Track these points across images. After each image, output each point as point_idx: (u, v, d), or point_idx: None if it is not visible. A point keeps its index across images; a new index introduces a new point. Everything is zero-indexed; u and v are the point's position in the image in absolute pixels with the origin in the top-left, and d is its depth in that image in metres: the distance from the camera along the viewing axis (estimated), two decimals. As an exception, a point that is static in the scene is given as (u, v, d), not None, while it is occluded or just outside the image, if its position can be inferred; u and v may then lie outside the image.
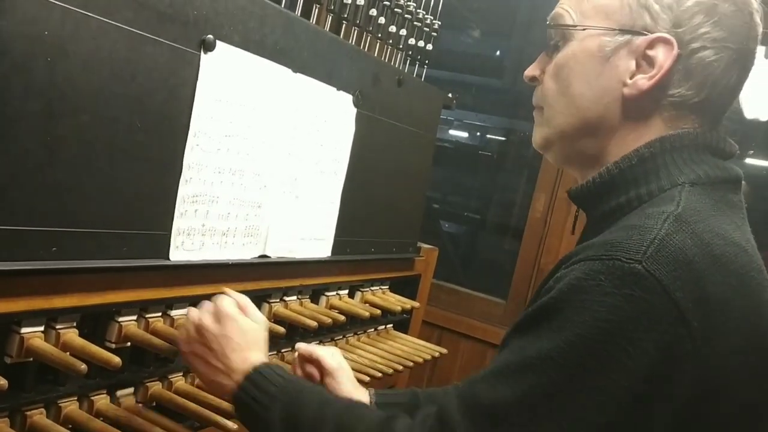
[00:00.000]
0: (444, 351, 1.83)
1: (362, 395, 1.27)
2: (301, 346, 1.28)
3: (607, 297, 0.77)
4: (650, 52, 0.91)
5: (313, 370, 1.25)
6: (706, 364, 0.78)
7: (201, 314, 1.07)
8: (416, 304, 1.89)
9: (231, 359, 1.03)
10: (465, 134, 3.87)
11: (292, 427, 0.96)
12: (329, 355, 1.27)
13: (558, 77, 0.99)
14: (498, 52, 3.76)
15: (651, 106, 0.93)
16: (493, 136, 3.77)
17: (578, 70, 0.96)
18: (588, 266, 0.80)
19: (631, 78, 0.92)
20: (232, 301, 1.09)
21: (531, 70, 1.05)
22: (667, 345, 0.76)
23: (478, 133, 3.83)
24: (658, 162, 0.92)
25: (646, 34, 0.91)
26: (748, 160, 3.02)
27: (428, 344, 1.85)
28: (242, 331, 1.05)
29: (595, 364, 0.77)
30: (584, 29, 0.95)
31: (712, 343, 0.78)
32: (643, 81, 0.91)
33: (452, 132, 3.79)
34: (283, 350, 1.47)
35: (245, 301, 1.12)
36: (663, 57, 0.90)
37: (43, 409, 1.01)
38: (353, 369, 1.46)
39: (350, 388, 1.26)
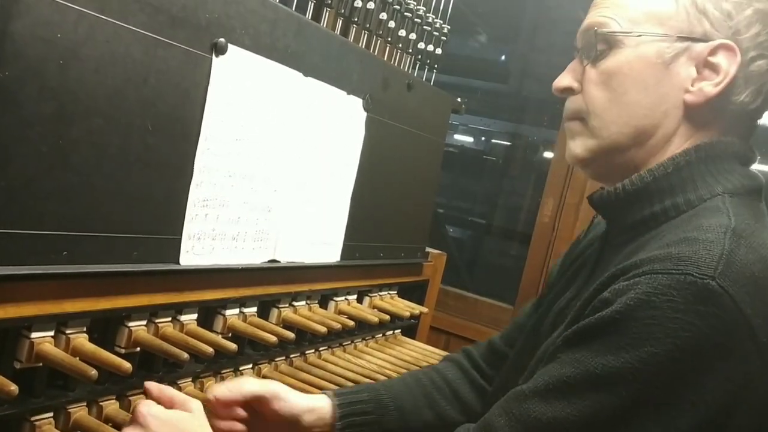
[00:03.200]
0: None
1: (318, 400, 1.18)
2: (218, 391, 1.09)
3: (680, 314, 0.74)
4: (713, 59, 0.89)
5: (238, 412, 1.11)
6: None
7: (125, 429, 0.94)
8: (425, 309, 1.88)
9: None
10: (470, 139, 3.86)
11: None
12: (259, 383, 1.14)
13: (609, 85, 0.94)
14: (504, 57, 3.76)
15: (713, 113, 0.92)
16: (499, 141, 3.76)
17: (634, 77, 0.93)
18: (656, 280, 0.77)
19: (693, 85, 0.91)
20: (150, 404, 0.95)
21: (565, 81, 1.00)
22: (738, 361, 0.75)
23: (484, 138, 3.83)
24: (693, 171, 0.91)
25: (706, 41, 0.89)
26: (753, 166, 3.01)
27: (436, 350, 1.84)
28: (173, 426, 0.92)
29: (666, 380, 0.75)
30: (639, 35, 0.92)
31: None
32: (709, 88, 0.90)
33: (457, 137, 3.78)
34: (291, 356, 1.46)
35: (170, 393, 1.00)
36: (727, 64, 0.89)
37: (52, 416, 1.00)
38: (362, 375, 1.46)
39: (304, 399, 1.16)
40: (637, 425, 0.76)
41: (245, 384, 1.11)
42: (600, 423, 0.77)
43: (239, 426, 1.10)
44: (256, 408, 1.12)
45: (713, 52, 0.90)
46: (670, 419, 0.75)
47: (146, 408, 0.93)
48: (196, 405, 0.98)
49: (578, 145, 0.99)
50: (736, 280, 0.76)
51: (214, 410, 1.09)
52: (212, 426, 0.99)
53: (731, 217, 0.84)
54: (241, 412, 1.11)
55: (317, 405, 1.16)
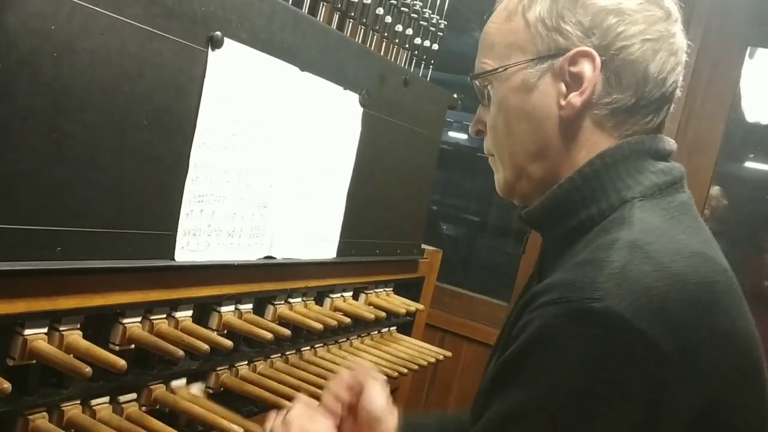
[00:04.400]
0: (448, 354, 1.81)
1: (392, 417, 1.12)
2: (345, 373, 1.09)
3: (574, 340, 0.75)
4: (574, 69, 0.91)
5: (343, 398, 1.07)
6: (694, 384, 0.77)
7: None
8: (420, 306, 1.87)
9: None
10: (464, 136, 3.85)
11: None
12: (380, 379, 1.09)
13: (498, 122, 0.99)
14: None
15: (589, 120, 0.93)
16: (493, 138, 3.76)
17: (513, 108, 0.96)
18: (549, 312, 0.78)
19: (564, 99, 0.92)
20: (300, 416, 0.98)
21: (474, 126, 1.06)
22: (649, 377, 0.75)
23: (478, 135, 3.82)
24: (602, 179, 0.91)
25: (563, 55, 0.91)
26: (749, 164, 3.02)
27: (432, 347, 1.83)
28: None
29: (581, 412, 0.75)
30: (505, 69, 0.95)
31: (692, 362, 0.76)
32: (576, 98, 0.91)
33: (452, 134, 3.77)
34: (287, 353, 1.45)
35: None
36: (588, 69, 0.90)
37: (45, 413, 0.99)
38: (358, 372, 1.44)
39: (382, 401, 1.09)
40: None
41: (361, 370, 1.09)
42: None
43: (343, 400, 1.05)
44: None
45: (573, 62, 0.90)
46: None
47: (299, 420, 0.95)
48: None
49: (497, 180, 1.04)
50: (625, 296, 0.75)
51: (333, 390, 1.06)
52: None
53: (633, 226, 0.84)
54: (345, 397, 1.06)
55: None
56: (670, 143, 0.96)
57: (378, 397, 1.04)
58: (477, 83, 1.01)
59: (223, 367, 1.29)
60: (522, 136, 0.96)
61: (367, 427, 1.06)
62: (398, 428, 1.10)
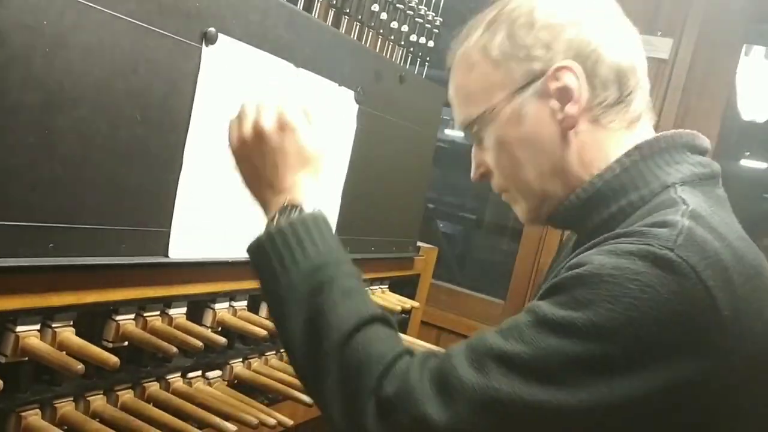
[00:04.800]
0: (443, 351, 1.80)
1: None
2: None
3: (640, 276, 0.76)
4: (559, 84, 0.93)
5: None
6: (738, 355, 0.77)
7: (262, 116, 0.96)
8: (416, 304, 1.87)
9: (283, 178, 0.95)
10: (461, 134, 3.85)
11: (315, 312, 0.86)
12: None
13: (503, 159, 1.00)
14: (495, 52, 3.74)
15: (589, 123, 0.95)
16: (490, 136, 3.75)
17: (512, 141, 0.97)
18: (620, 247, 0.79)
19: (561, 113, 0.94)
20: (298, 109, 0.99)
21: (476, 171, 1.05)
22: (696, 333, 0.75)
23: (474, 133, 3.82)
24: (641, 168, 0.93)
25: (542, 76, 0.94)
26: (744, 162, 3.02)
27: (427, 344, 1.83)
28: (301, 148, 0.96)
29: (619, 340, 0.75)
30: (492, 110, 0.97)
31: (741, 334, 0.77)
32: (572, 108, 0.93)
33: (448, 131, 3.77)
34: (282, 350, 1.45)
35: (312, 110, 1.02)
36: (571, 80, 0.93)
37: (38, 410, 0.98)
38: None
39: None
40: (585, 379, 0.75)
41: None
42: (549, 368, 0.76)
43: None
44: None
45: (555, 78, 0.93)
46: (622, 382, 0.75)
47: (298, 122, 0.97)
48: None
49: (520, 212, 1.05)
50: (697, 252, 0.77)
51: None
52: None
53: (686, 201, 0.86)
54: None
55: None
56: (705, 140, 0.98)
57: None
58: (468, 132, 1.02)
59: (217, 364, 1.29)
60: (532, 162, 0.98)
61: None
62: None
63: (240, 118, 0.98)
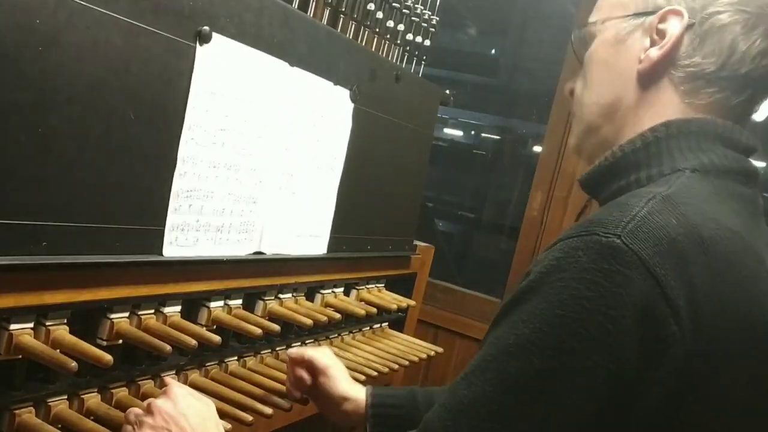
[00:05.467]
0: (439, 350, 1.81)
1: (358, 391, 1.27)
2: (292, 350, 1.28)
3: (585, 273, 0.73)
4: (662, 26, 0.92)
5: (303, 374, 1.26)
6: (693, 349, 0.74)
7: (151, 400, 0.99)
8: (412, 302, 1.87)
9: None
10: (460, 133, 3.85)
11: None
12: (320, 354, 1.28)
13: (583, 75, 1.02)
14: (494, 51, 3.75)
15: (665, 80, 0.93)
16: (488, 135, 3.76)
17: (598, 60, 0.99)
18: (566, 245, 0.77)
19: (644, 53, 0.93)
20: (181, 385, 1.04)
21: (568, 84, 1.08)
22: (650, 324, 0.73)
23: (473, 132, 3.82)
24: (661, 147, 0.90)
25: (657, 12, 0.92)
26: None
27: (424, 343, 1.83)
28: (197, 410, 0.98)
29: (576, 344, 0.73)
30: (603, 22, 0.98)
31: (697, 328, 0.74)
32: (655, 52, 0.92)
33: (447, 130, 3.77)
34: (277, 348, 1.45)
35: (189, 389, 1.05)
36: (674, 26, 0.90)
37: (32, 408, 0.99)
38: (348, 368, 1.45)
39: (345, 385, 1.27)
40: (552, 394, 0.74)
41: (310, 350, 1.29)
42: (518, 395, 0.75)
43: (304, 379, 1.26)
44: (314, 376, 1.26)
45: (662, 19, 0.92)
46: (586, 386, 0.73)
47: (179, 388, 1.00)
48: (210, 403, 1.03)
49: (571, 135, 1.07)
50: (646, 239, 0.74)
51: (288, 365, 1.28)
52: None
53: (672, 186, 0.83)
54: (306, 375, 1.27)
55: (356, 396, 1.26)
56: (749, 139, 0.92)
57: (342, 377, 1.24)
58: (578, 42, 1.03)
59: (213, 363, 1.30)
60: (599, 87, 0.98)
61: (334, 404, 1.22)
62: (368, 395, 1.24)
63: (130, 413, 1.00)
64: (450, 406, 0.80)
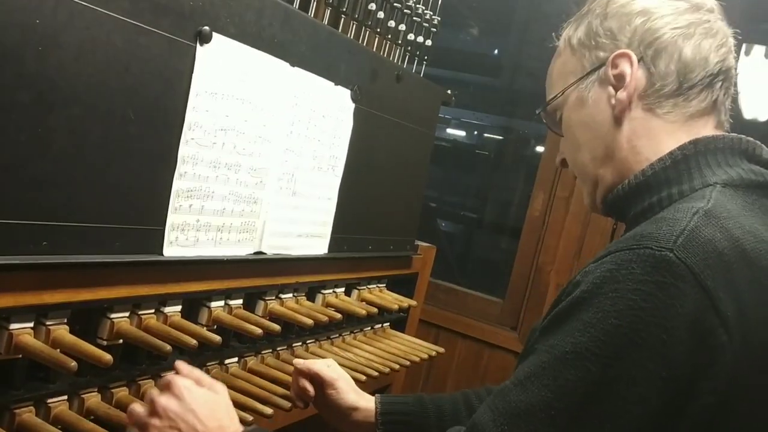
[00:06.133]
0: (441, 350, 1.81)
1: (367, 401, 1.29)
2: (299, 362, 1.29)
3: (640, 285, 0.77)
4: (615, 71, 0.99)
5: (307, 385, 1.27)
6: (742, 358, 0.78)
7: (154, 396, 0.98)
8: (413, 302, 1.87)
9: (208, 429, 0.95)
10: (462, 133, 3.85)
11: None
12: (326, 366, 1.29)
13: (569, 142, 1.09)
14: (496, 51, 3.74)
15: (642, 111, 0.99)
16: (491, 135, 3.75)
17: (575, 124, 1.06)
18: (618, 257, 0.80)
19: (614, 99, 0.99)
20: (184, 378, 1.01)
21: (558, 156, 1.14)
22: (701, 334, 0.76)
23: (475, 132, 3.82)
24: (690, 163, 0.94)
25: (604, 64, 1.00)
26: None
27: (425, 343, 1.83)
28: (205, 401, 0.97)
29: (632, 353, 0.76)
30: (563, 93, 1.06)
31: (744, 337, 0.78)
32: (622, 94, 0.99)
33: (449, 131, 3.77)
34: (278, 348, 1.45)
35: (198, 374, 1.05)
36: (626, 67, 0.98)
37: (32, 408, 0.99)
38: (350, 368, 1.45)
39: (353, 396, 1.28)
40: (608, 401, 0.77)
41: (317, 363, 1.30)
42: (574, 400, 0.78)
43: (308, 392, 1.26)
44: (321, 388, 1.27)
45: (613, 65, 0.99)
46: (641, 393, 0.76)
47: (182, 381, 0.99)
48: (222, 387, 1.04)
49: (584, 197, 1.11)
50: (697, 253, 0.78)
51: (293, 376, 1.29)
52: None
53: (710, 201, 0.86)
54: (309, 387, 1.27)
55: (365, 405, 1.28)
56: (766, 152, 0.98)
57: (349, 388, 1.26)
58: (549, 119, 1.11)
59: (213, 363, 1.30)
60: (588, 145, 1.04)
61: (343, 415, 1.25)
62: (377, 403, 1.27)
63: (132, 411, 0.99)
64: (505, 410, 0.83)
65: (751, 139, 0.97)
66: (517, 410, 0.81)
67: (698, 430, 0.79)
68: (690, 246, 0.78)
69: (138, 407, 0.99)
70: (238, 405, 1.19)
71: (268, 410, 1.20)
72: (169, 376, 1.01)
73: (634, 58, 0.97)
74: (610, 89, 1.00)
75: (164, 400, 0.96)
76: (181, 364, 1.06)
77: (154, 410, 0.96)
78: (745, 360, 0.78)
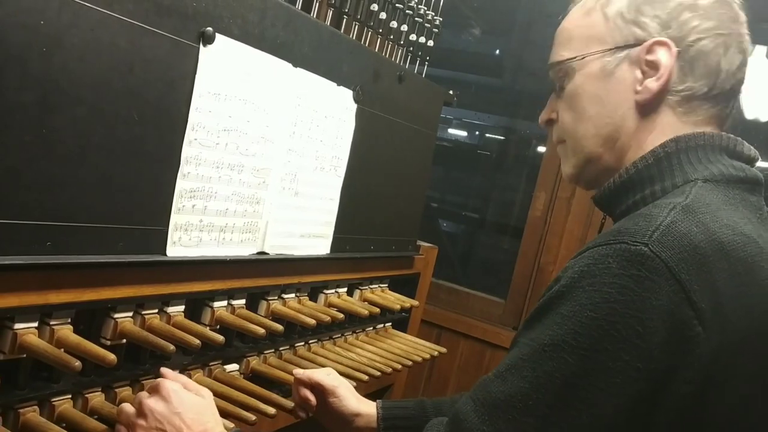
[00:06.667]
0: (443, 350, 1.81)
1: (369, 407, 1.30)
2: (298, 372, 1.30)
3: (616, 278, 0.79)
4: (651, 57, 0.96)
5: (308, 394, 1.28)
6: (717, 350, 0.79)
7: (143, 397, 1.00)
8: (415, 302, 1.87)
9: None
10: (464, 133, 3.85)
11: None
12: (326, 375, 1.30)
13: (572, 108, 1.04)
14: (498, 51, 3.74)
15: (663, 105, 0.98)
16: (492, 135, 3.75)
17: (588, 94, 1.02)
18: (596, 252, 0.82)
19: (640, 85, 0.97)
20: (172, 381, 1.03)
21: (544, 114, 1.10)
22: (676, 326, 0.78)
23: (477, 132, 3.82)
24: (672, 161, 0.95)
25: (640, 44, 0.97)
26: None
27: (427, 343, 1.83)
28: (192, 404, 0.99)
29: (608, 344, 0.78)
30: (583, 58, 1.01)
31: (721, 328, 0.79)
32: (652, 83, 0.96)
33: (451, 131, 3.77)
34: (281, 348, 1.46)
35: (185, 379, 1.07)
36: (664, 57, 0.95)
37: (36, 407, 0.99)
38: (352, 368, 1.45)
39: (355, 402, 1.29)
40: (585, 391, 0.79)
41: (317, 372, 1.31)
42: (552, 391, 0.80)
43: (310, 401, 1.27)
44: (322, 396, 1.28)
45: (649, 50, 0.96)
46: (617, 384, 0.78)
47: (170, 384, 1.00)
48: (207, 393, 1.05)
49: (566, 165, 1.09)
50: (671, 246, 0.79)
51: (294, 386, 1.30)
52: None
53: (689, 196, 0.88)
54: (311, 396, 1.28)
55: (366, 411, 1.28)
56: (750, 150, 0.99)
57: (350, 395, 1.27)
58: (554, 73, 1.07)
59: (216, 363, 1.30)
60: (595, 120, 1.01)
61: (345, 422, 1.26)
62: (378, 408, 1.28)
63: (122, 411, 1.01)
64: (485, 401, 0.86)
65: (732, 135, 0.98)
66: (497, 401, 0.84)
67: (674, 419, 0.80)
68: (665, 240, 0.80)
69: (128, 407, 1.00)
70: (241, 405, 1.19)
71: (271, 410, 1.20)
72: (158, 379, 1.03)
73: (674, 51, 0.95)
74: (638, 73, 0.97)
75: (152, 402, 0.98)
76: (166, 370, 1.09)
77: (141, 411, 0.98)
78: (723, 350, 0.80)
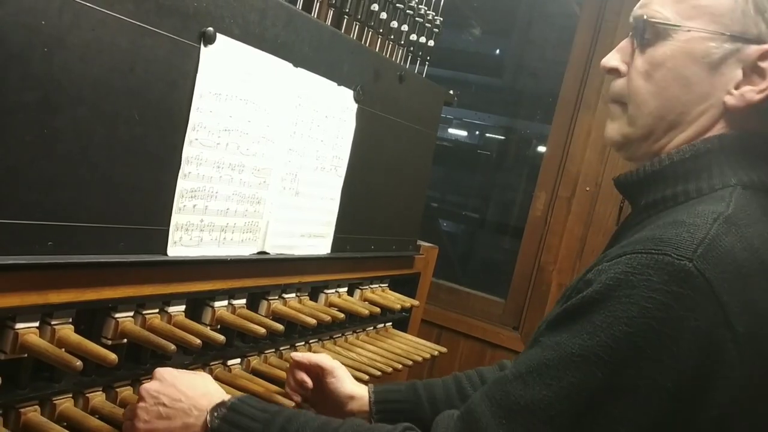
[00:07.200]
0: (443, 350, 1.81)
1: (363, 390, 1.29)
2: (297, 355, 1.29)
3: (656, 293, 0.74)
4: (762, 64, 0.87)
5: (305, 377, 1.27)
6: (751, 372, 0.76)
7: (142, 386, 1.01)
8: (416, 302, 1.88)
9: (191, 397, 0.96)
10: (464, 133, 3.85)
11: None
12: (325, 358, 1.29)
13: (652, 77, 0.93)
14: (498, 51, 3.75)
15: (755, 116, 0.89)
16: (493, 135, 3.76)
17: (678, 72, 0.90)
18: (635, 260, 0.77)
19: (736, 88, 0.88)
20: (167, 367, 1.04)
21: (613, 61, 0.97)
22: (711, 347, 0.74)
23: (477, 132, 3.82)
24: (711, 159, 0.89)
25: (759, 44, 0.87)
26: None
27: (427, 343, 1.83)
28: (188, 378, 1.00)
29: (640, 363, 0.75)
30: (688, 30, 0.89)
31: (756, 351, 0.76)
32: (752, 94, 0.88)
33: (451, 131, 3.77)
34: (281, 348, 1.46)
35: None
36: None
37: (37, 406, 0.99)
38: (352, 367, 1.45)
39: (351, 384, 1.29)
40: (611, 408, 0.76)
41: (315, 355, 1.30)
42: (576, 404, 0.76)
43: (306, 383, 1.26)
44: (319, 379, 1.27)
45: (765, 56, 0.86)
46: (644, 404, 0.75)
47: (165, 368, 1.02)
48: (206, 375, 1.07)
49: (615, 129, 0.99)
50: (716, 264, 0.75)
51: (290, 370, 1.28)
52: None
53: (730, 205, 0.83)
54: (308, 379, 1.26)
55: (360, 394, 1.27)
56: None
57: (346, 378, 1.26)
58: (641, 23, 0.93)
59: (217, 362, 1.30)
60: (672, 102, 0.91)
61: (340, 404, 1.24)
62: (370, 392, 1.27)
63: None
64: (502, 402, 0.81)
65: None
66: (517, 405, 0.79)
67: None
68: (710, 257, 0.75)
69: (131, 403, 1.02)
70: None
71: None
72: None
73: None
74: (739, 72, 0.87)
75: (148, 385, 1.00)
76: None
77: (140, 396, 0.99)
78: (755, 373, 0.77)
